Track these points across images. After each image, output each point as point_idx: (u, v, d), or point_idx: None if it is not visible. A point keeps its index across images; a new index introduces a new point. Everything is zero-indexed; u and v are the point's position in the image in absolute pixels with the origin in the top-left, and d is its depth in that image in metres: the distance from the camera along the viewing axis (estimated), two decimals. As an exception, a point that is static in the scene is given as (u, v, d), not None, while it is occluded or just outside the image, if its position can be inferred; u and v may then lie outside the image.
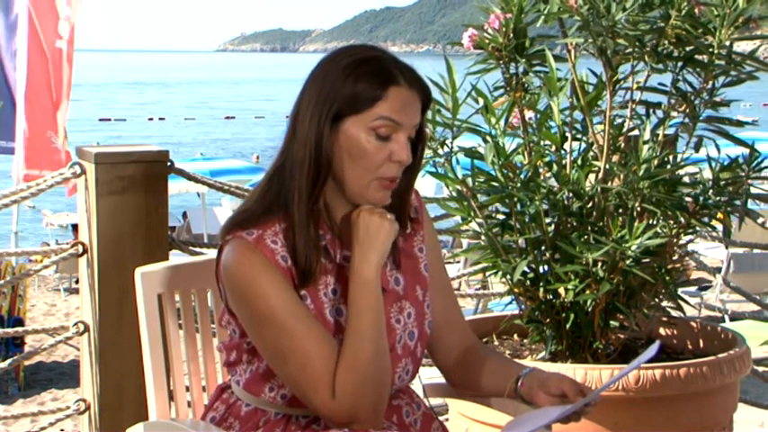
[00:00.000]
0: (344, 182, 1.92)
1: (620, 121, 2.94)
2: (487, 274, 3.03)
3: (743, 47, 2.98)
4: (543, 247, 2.86)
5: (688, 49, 2.86)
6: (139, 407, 2.56)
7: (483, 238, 2.92)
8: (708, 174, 2.84)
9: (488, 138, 2.84)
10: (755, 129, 17.74)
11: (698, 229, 2.91)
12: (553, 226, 2.87)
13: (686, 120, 2.91)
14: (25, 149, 7.74)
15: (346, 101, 1.89)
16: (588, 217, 2.86)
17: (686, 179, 2.88)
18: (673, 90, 2.92)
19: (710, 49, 2.83)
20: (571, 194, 2.86)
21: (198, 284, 2.32)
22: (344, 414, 1.85)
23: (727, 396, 2.87)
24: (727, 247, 9.19)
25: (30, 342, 8.96)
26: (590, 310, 2.83)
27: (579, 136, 2.94)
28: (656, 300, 2.94)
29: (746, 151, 2.85)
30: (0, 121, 8.09)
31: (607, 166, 2.86)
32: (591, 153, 2.93)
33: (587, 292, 2.78)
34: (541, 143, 2.90)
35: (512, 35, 2.85)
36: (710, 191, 2.82)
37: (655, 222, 2.84)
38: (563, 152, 2.90)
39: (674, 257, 2.92)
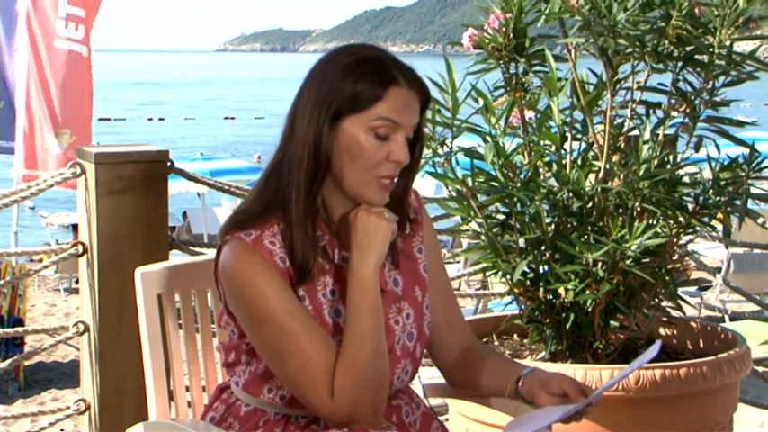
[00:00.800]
0: (343, 180, 1.92)
1: (620, 121, 2.94)
2: (487, 274, 3.03)
3: (743, 47, 2.98)
4: (543, 247, 2.86)
5: (688, 49, 2.86)
6: (139, 407, 2.56)
7: (483, 238, 2.92)
8: (708, 174, 2.84)
9: (488, 138, 2.84)
10: (755, 129, 17.74)
11: (698, 229, 2.91)
12: (553, 226, 2.87)
13: (686, 120, 2.91)
14: (25, 150, 7.73)
15: (346, 100, 1.89)
16: (588, 217, 2.86)
17: (686, 179, 2.88)
18: (673, 90, 2.92)
19: (711, 49, 2.83)
20: (571, 194, 2.86)
21: (198, 284, 2.32)
22: (343, 414, 1.85)
23: (727, 396, 2.86)
24: (727, 247, 9.19)
25: (30, 342, 8.96)
26: (590, 310, 2.83)
27: (579, 136, 2.94)
28: (656, 300, 2.94)
29: (746, 151, 2.85)
30: (0, 121, 8.08)
31: (607, 166, 2.86)
32: (591, 153, 2.93)
33: (587, 292, 2.78)
34: (541, 143, 2.90)
35: (512, 35, 2.85)
36: (710, 191, 2.82)
37: (655, 222, 2.84)
38: (563, 152, 2.90)
39: (674, 257, 2.92)
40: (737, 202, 2.84)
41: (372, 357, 1.86)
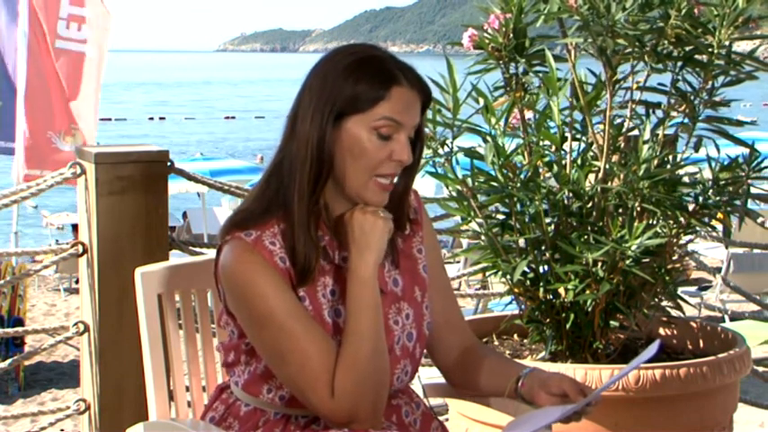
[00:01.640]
0: (344, 180, 1.92)
1: (619, 120, 2.94)
2: (487, 274, 3.03)
3: (742, 47, 2.98)
4: (543, 247, 2.86)
5: (688, 48, 2.86)
6: (139, 407, 2.56)
7: (483, 238, 2.92)
8: (708, 174, 2.84)
9: (488, 138, 2.84)
10: (755, 129, 17.72)
11: (698, 229, 2.91)
12: (553, 226, 2.87)
13: (686, 120, 2.91)
14: (25, 150, 7.74)
15: (348, 101, 1.89)
16: (588, 217, 2.86)
17: (686, 179, 2.88)
18: (672, 90, 2.92)
19: (710, 49, 2.83)
20: (571, 194, 2.86)
21: (198, 284, 2.32)
22: (344, 413, 1.85)
23: (727, 396, 2.87)
24: (727, 247, 9.20)
25: (30, 342, 8.96)
26: (590, 310, 2.83)
27: (579, 136, 2.94)
28: (656, 300, 2.94)
29: (746, 151, 2.85)
30: (0, 121, 8.08)
31: (607, 166, 2.86)
32: (591, 153, 2.93)
33: (587, 292, 2.78)
34: (541, 143, 2.90)
35: (511, 35, 2.85)
36: (710, 191, 2.82)
37: (655, 222, 2.84)
38: (563, 152, 2.90)
39: (674, 257, 2.92)
40: (737, 202, 2.84)
41: (372, 357, 1.86)
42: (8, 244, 11.99)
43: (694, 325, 3.10)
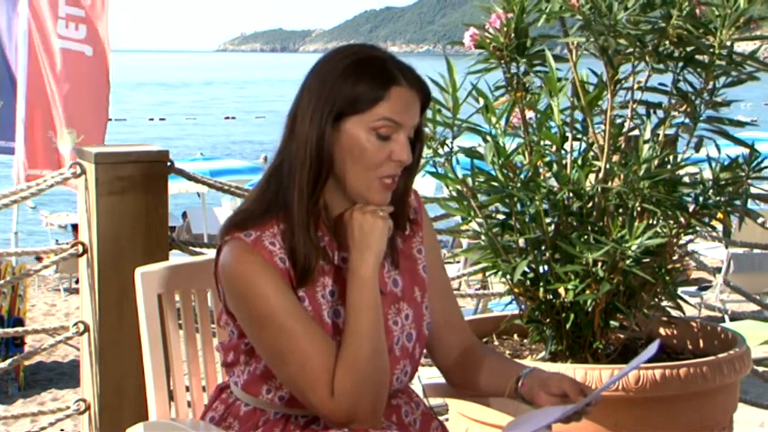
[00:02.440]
0: (345, 181, 1.92)
1: (620, 120, 2.94)
2: (487, 274, 3.03)
3: (743, 47, 2.98)
4: (543, 247, 2.86)
5: (689, 49, 2.86)
6: (139, 407, 2.56)
7: (483, 238, 2.92)
8: (708, 174, 2.84)
9: (488, 137, 2.84)
10: (755, 129, 17.69)
11: (698, 229, 2.91)
12: (553, 226, 2.87)
13: (686, 120, 2.91)
14: (26, 149, 7.73)
15: (347, 101, 1.89)
16: (588, 217, 2.86)
17: (686, 179, 2.88)
18: (673, 90, 2.92)
19: (711, 50, 2.83)
20: (571, 194, 2.86)
21: (198, 284, 2.32)
22: (343, 413, 1.85)
23: (727, 396, 2.86)
24: (727, 247, 9.20)
25: (30, 342, 8.96)
26: (590, 310, 2.83)
27: (579, 136, 2.94)
28: (656, 300, 2.94)
29: (746, 151, 2.85)
30: (0, 121, 8.08)
31: (607, 166, 2.86)
32: (591, 153, 2.93)
33: (587, 292, 2.78)
34: (542, 143, 2.90)
35: (513, 35, 2.85)
36: (710, 191, 2.82)
37: (655, 222, 2.84)
38: (563, 152, 2.90)
39: (674, 257, 2.92)
40: (737, 202, 2.84)
41: (372, 357, 1.86)
42: (8, 244, 11.99)
43: (694, 325, 3.10)
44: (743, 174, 2.82)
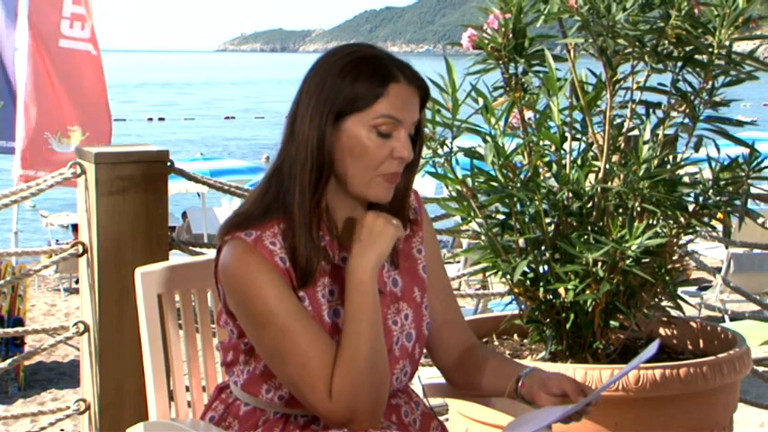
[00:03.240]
0: (347, 180, 1.92)
1: (619, 120, 2.94)
2: (487, 274, 3.03)
3: (743, 47, 2.98)
4: (543, 247, 2.86)
5: (688, 49, 2.86)
6: (139, 407, 2.56)
7: (483, 238, 2.92)
8: (708, 174, 2.84)
9: (488, 138, 2.84)
10: (755, 129, 17.73)
11: (698, 229, 2.91)
12: (553, 226, 2.87)
13: (686, 120, 2.91)
14: (22, 150, 7.73)
15: (346, 100, 1.89)
16: (588, 217, 2.86)
17: (686, 179, 2.88)
18: (672, 90, 2.92)
19: (710, 49, 2.83)
20: (571, 194, 2.86)
21: (198, 284, 2.32)
22: (343, 414, 1.85)
23: (727, 396, 2.86)
24: (727, 247, 9.20)
25: (30, 342, 8.96)
26: (590, 310, 2.83)
27: (579, 136, 2.94)
28: (656, 300, 2.94)
29: (746, 151, 2.85)
30: (0, 121, 8.08)
31: (607, 166, 2.86)
32: (591, 153, 2.93)
33: (587, 292, 2.78)
34: (541, 143, 2.90)
35: (511, 35, 2.85)
36: (710, 191, 2.82)
37: (655, 222, 2.84)
38: (563, 152, 2.90)
39: (674, 257, 2.92)
40: (737, 202, 2.83)
41: (370, 357, 1.86)
42: (8, 244, 11.99)
43: (694, 325, 3.10)
44: (743, 174, 2.82)
